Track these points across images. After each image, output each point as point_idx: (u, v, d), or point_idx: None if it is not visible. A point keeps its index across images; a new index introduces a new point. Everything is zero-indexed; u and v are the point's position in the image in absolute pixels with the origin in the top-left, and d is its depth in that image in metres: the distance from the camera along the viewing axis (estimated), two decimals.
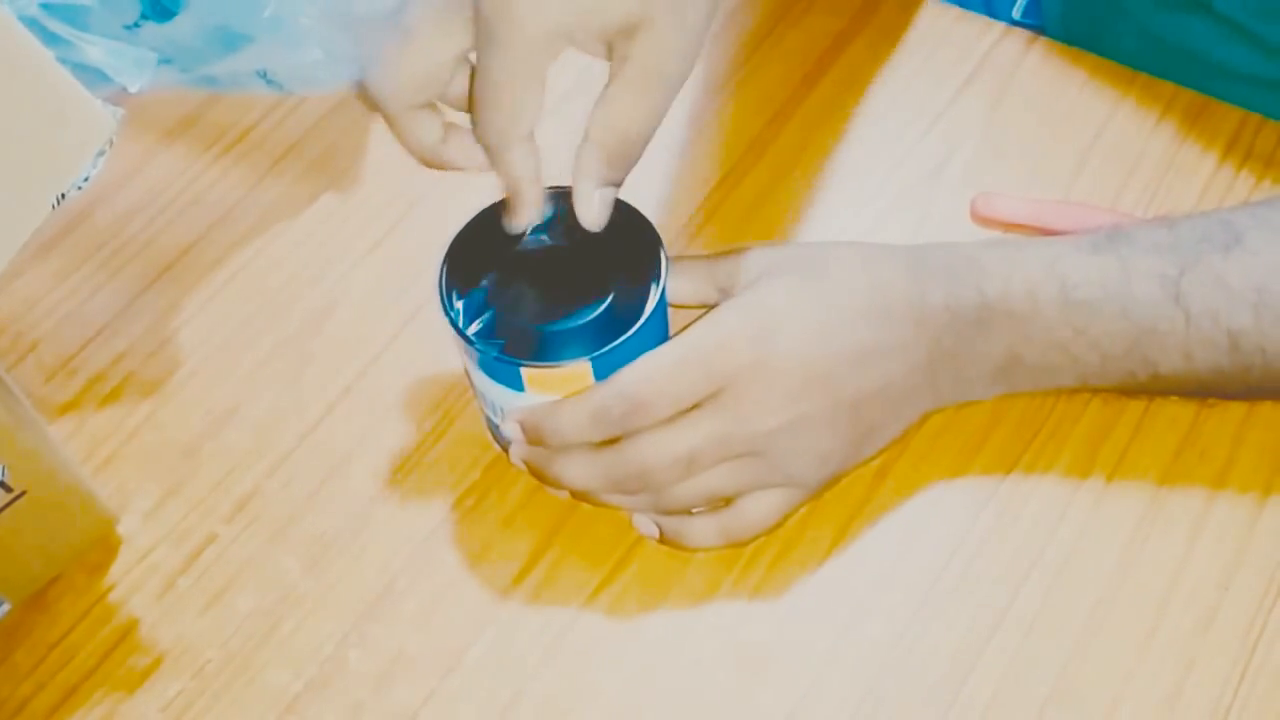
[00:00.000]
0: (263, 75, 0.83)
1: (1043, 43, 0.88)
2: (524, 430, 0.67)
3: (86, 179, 0.59)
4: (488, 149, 0.66)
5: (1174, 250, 0.67)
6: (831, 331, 0.66)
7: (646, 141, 0.65)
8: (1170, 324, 0.67)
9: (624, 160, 0.65)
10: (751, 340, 0.65)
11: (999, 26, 0.89)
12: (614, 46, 0.63)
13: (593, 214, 0.66)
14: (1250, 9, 0.89)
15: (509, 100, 0.64)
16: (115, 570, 0.71)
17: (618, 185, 0.67)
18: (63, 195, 0.58)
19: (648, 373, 0.65)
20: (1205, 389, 0.71)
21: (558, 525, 0.71)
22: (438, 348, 0.77)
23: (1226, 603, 0.68)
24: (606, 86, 0.64)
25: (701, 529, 0.69)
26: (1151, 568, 0.69)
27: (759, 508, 0.69)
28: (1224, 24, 0.90)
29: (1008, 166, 0.83)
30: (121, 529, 0.72)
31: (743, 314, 0.66)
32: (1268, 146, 0.82)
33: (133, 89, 0.69)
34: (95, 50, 0.68)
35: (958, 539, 0.70)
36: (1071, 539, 0.70)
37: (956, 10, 0.90)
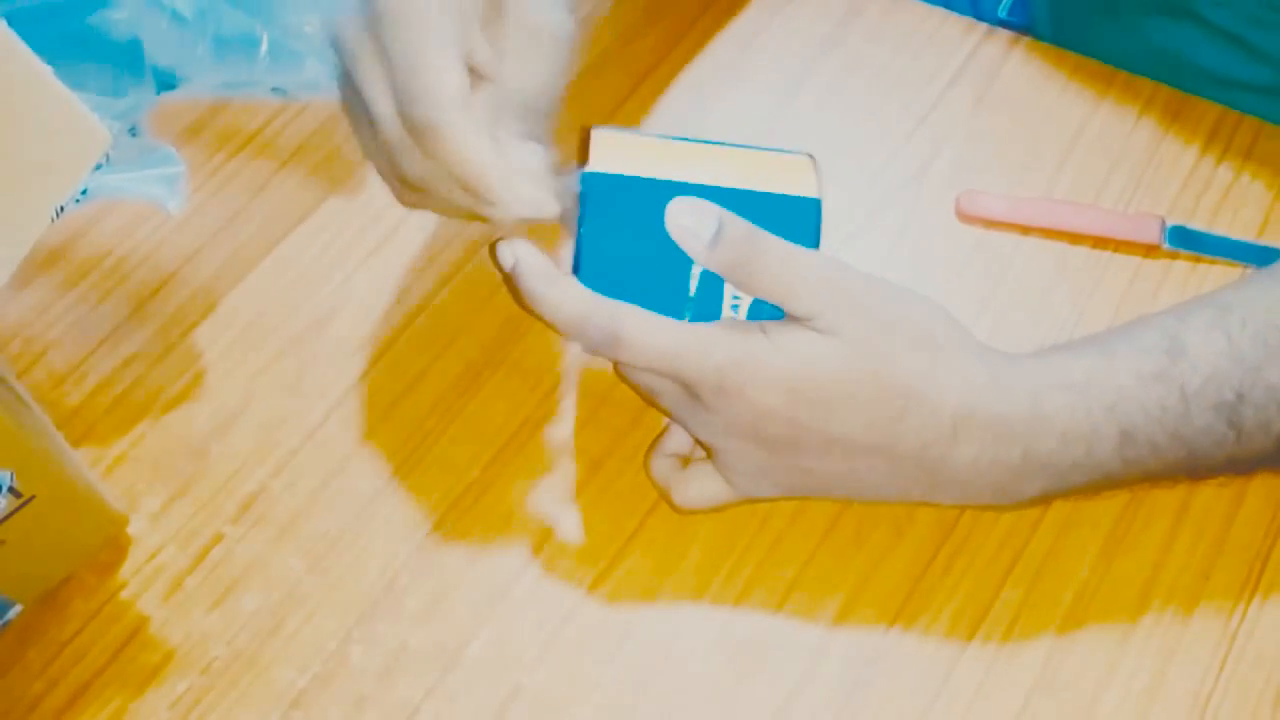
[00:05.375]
0: (272, 89, 0.85)
1: (1025, 43, 0.89)
2: (512, 272, 0.66)
3: (85, 192, 0.60)
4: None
5: (1234, 366, 0.66)
6: (814, 430, 0.65)
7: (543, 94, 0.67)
8: (1222, 442, 0.66)
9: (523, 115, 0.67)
10: (736, 377, 0.64)
11: (982, 28, 0.90)
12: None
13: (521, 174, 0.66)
14: (1240, 16, 0.89)
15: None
16: (125, 570, 0.72)
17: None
18: (62, 208, 0.59)
19: (641, 335, 0.64)
20: (1233, 475, 0.72)
21: (554, 523, 0.73)
22: (438, 348, 0.78)
23: (1207, 592, 0.69)
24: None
25: (657, 462, 0.72)
26: (1134, 557, 0.70)
27: (700, 491, 0.70)
28: (1213, 30, 0.91)
29: (991, 165, 0.84)
30: (130, 530, 0.73)
31: (742, 352, 0.64)
32: (1245, 141, 0.83)
33: (174, 210, 0.71)
34: (124, 179, 0.70)
35: (943, 533, 0.71)
36: (1055, 532, 0.71)
37: (941, 12, 0.90)
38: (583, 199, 0.66)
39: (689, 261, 0.65)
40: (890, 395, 0.64)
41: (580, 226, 0.66)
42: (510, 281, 0.67)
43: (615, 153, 0.67)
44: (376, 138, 0.67)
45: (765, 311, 0.66)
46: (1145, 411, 0.65)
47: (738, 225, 0.64)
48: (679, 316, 0.66)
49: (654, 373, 0.66)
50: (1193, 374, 0.66)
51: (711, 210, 0.64)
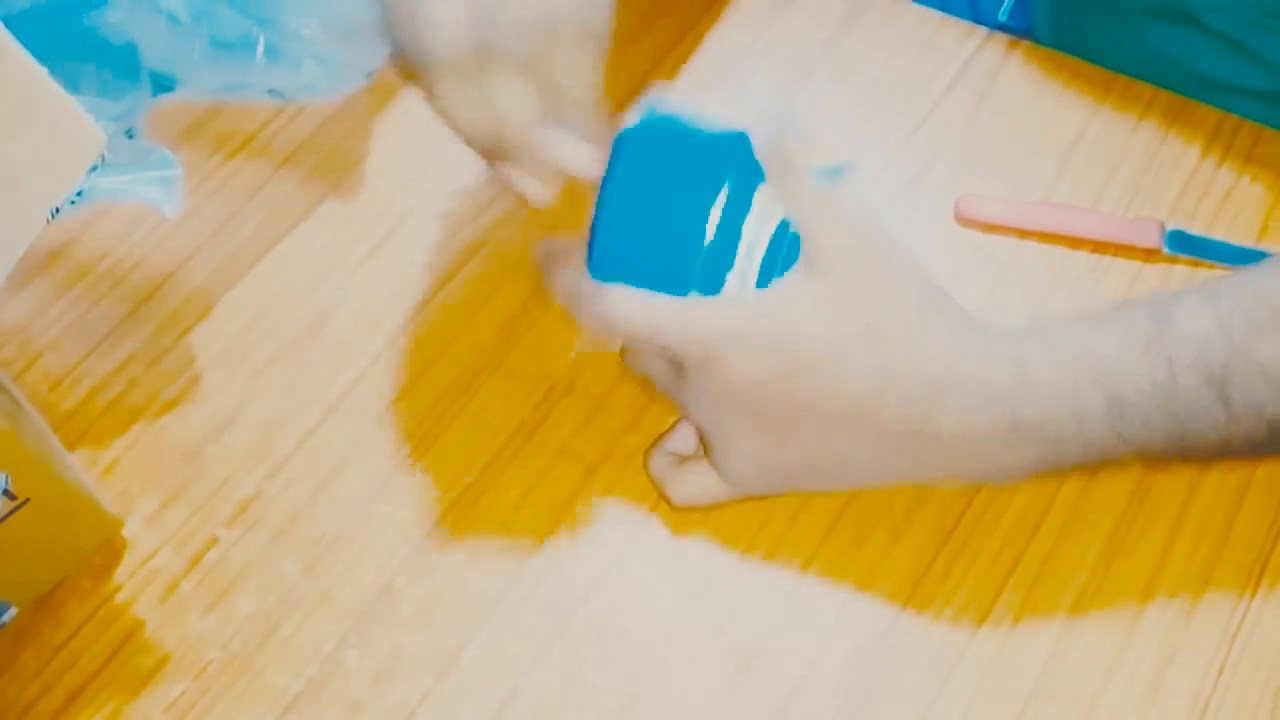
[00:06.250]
0: (268, 91, 0.85)
1: (1024, 47, 0.89)
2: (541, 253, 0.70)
3: (80, 194, 0.60)
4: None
5: (1221, 342, 0.65)
6: (805, 396, 0.65)
7: None
8: (1213, 419, 0.66)
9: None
10: (723, 347, 0.65)
11: (982, 31, 0.90)
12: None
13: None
14: (1238, 21, 0.89)
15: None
16: (120, 573, 0.72)
17: None
18: (57, 210, 0.59)
19: (628, 312, 0.65)
20: (1231, 460, 0.72)
21: (551, 526, 0.72)
22: (434, 351, 0.78)
23: (1207, 595, 0.69)
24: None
25: (654, 457, 0.72)
26: (1134, 559, 0.70)
27: (693, 488, 0.70)
28: (1212, 36, 0.91)
29: (991, 169, 0.84)
30: (125, 533, 0.73)
31: (727, 321, 0.65)
32: (1245, 146, 0.83)
33: (170, 213, 0.71)
34: (121, 182, 0.70)
35: (943, 535, 0.71)
36: (1055, 534, 0.71)
37: (940, 16, 0.91)
38: (621, 142, 0.66)
39: (704, 213, 0.65)
40: (881, 356, 0.65)
41: (613, 165, 0.66)
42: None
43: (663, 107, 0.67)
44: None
45: (778, 267, 0.66)
46: (1134, 382, 0.65)
47: (799, 131, 0.65)
48: (691, 266, 0.65)
49: (643, 347, 0.68)
50: (1180, 347, 0.65)
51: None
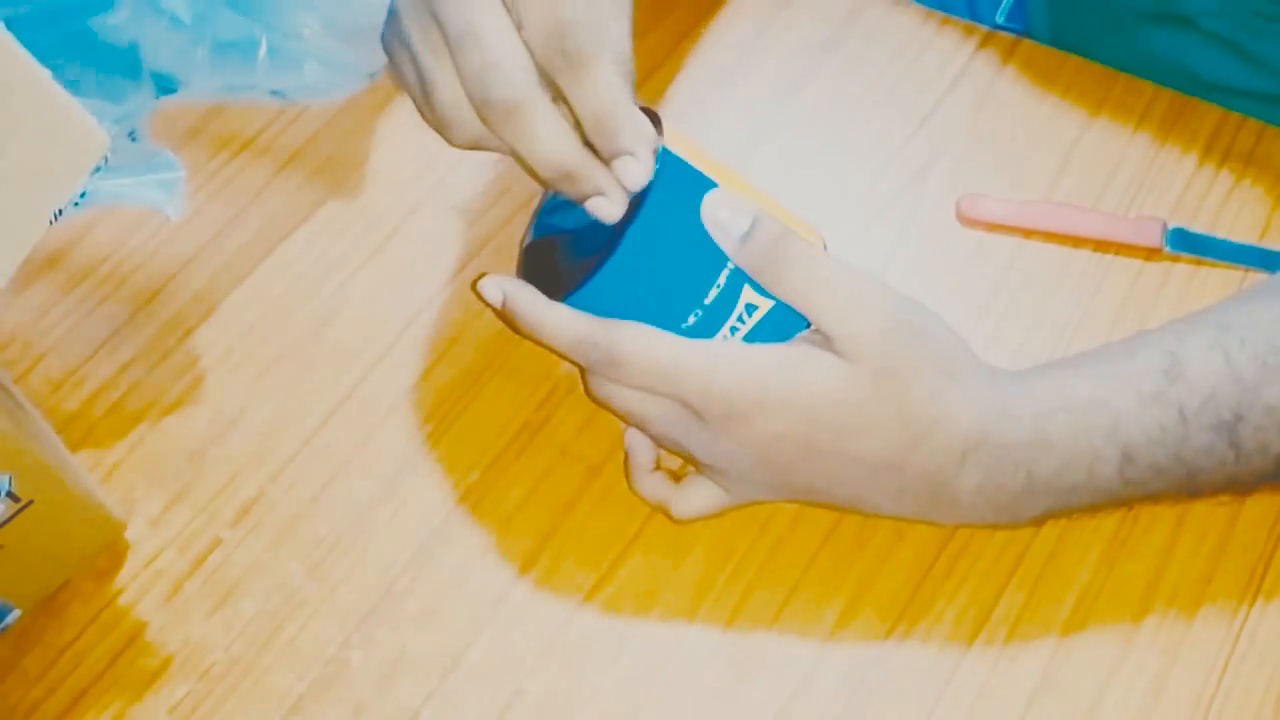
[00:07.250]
0: (271, 92, 0.85)
1: (1025, 47, 0.89)
2: (502, 302, 0.67)
3: (84, 195, 0.60)
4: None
5: (1232, 387, 0.65)
6: (828, 451, 0.65)
7: None
8: (1221, 461, 0.66)
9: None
10: (743, 402, 0.64)
11: (982, 31, 0.90)
12: None
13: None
14: (1236, 24, 0.89)
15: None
16: (123, 576, 0.72)
17: None
18: (60, 211, 0.59)
19: (644, 353, 0.64)
20: (1237, 493, 0.71)
21: (555, 526, 0.72)
22: (437, 352, 0.78)
23: (1209, 594, 0.69)
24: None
25: (645, 482, 0.72)
26: (1136, 560, 0.70)
27: (691, 502, 0.70)
28: (1210, 39, 0.91)
29: (992, 168, 0.84)
30: (129, 535, 0.73)
31: (753, 378, 0.64)
32: (1247, 144, 0.83)
33: (173, 215, 0.71)
34: (124, 185, 0.70)
35: (945, 535, 0.71)
36: (1057, 535, 0.71)
37: (940, 16, 0.91)
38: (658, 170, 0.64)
39: (714, 275, 0.65)
40: (907, 422, 0.65)
41: (650, 194, 0.64)
42: (503, 315, 0.68)
43: (678, 143, 0.66)
44: (462, 58, 0.64)
45: (768, 330, 0.66)
46: (1145, 433, 0.65)
47: (771, 226, 0.64)
48: (679, 320, 0.65)
49: (651, 393, 0.66)
50: (1191, 395, 0.65)
51: (747, 208, 0.65)
